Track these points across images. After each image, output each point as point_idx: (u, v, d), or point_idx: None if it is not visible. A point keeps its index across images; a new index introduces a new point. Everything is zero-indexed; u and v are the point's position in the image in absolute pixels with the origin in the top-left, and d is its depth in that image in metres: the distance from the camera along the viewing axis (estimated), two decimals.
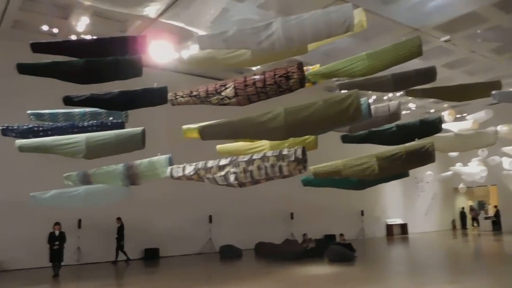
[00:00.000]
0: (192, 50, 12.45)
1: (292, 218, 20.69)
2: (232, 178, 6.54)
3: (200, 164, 6.82)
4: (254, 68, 8.68)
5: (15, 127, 8.28)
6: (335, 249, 14.79)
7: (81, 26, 13.43)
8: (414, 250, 20.17)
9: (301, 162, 6.23)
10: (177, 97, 7.03)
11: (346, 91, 8.09)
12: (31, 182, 10.80)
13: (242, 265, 15.43)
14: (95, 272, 14.15)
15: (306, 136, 7.78)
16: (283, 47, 6.25)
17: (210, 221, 18.37)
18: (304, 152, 6.26)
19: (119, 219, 15.77)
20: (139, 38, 7.51)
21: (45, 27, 13.87)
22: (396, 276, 12.25)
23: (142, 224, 16.41)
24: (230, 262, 15.72)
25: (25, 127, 8.30)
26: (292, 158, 6.21)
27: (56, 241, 13.01)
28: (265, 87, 6.39)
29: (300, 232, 18.96)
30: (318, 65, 8.12)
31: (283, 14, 10.82)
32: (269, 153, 6.46)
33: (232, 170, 6.53)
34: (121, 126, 8.42)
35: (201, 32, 11.09)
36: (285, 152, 6.32)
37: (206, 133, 6.64)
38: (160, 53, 13.18)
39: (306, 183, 9.11)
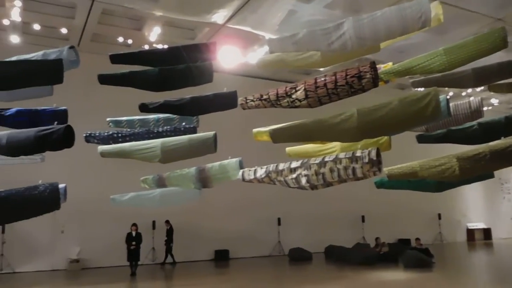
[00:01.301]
0: (260, 53, 12.57)
1: (363, 221, 20.10)
2: (303, 180, 6.44)
3: (271, 166, 6.79)
4: (322, 69, 8.53)
5: (97, 134, 8.80)
6: (411, 254, 14.12)
7: (153, 36, 14.05)
8: (499, 257, 18.76)
9: (376, 164, 6.00)
10: (248, 101, 7.07)
11: (421, 88, 7.70)
12: (111, 185, 11.42)
13: (312, 268, 15.24)
14: (169, 271, 14.66)
15: (379, 137, 7.49)
16: (354, 47, 6.07)
17: (279, 223, 18.36)
18: (378, 154, 6.03)
19: (167, 222, 15.84)
20: (210, 44, 7.70)
21: (120, 39, 14.69)
22: (479, 285, 11.44)
23: (212, 226, 16.76)
24: (300, 265, 15.59)
25: (106, 134, 8.79)
26: (366, 160, 6.00)
27: (133, 241, 13.66)
28: (336, 88, 6.22)
29: (372, 235, 18.38)
30: (390, 63, 7.80)
31: (350, 13, 10.55)
32: (342, 155, 6.28)
33: (304, 172, 6.43)
34: (193, 130, 8.66)
35: (268, 35, 11.11)
36: (358, 153, 6.12)
37: (277, 136, 6.61)
38: (228, 58, 13.42)
39: (380, 185, 8.78)
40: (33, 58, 6.51)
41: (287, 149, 9.15)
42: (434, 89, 5.87)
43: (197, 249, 16.61)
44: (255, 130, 8.29)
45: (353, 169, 6.10)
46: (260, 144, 8.87)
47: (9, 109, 7.40)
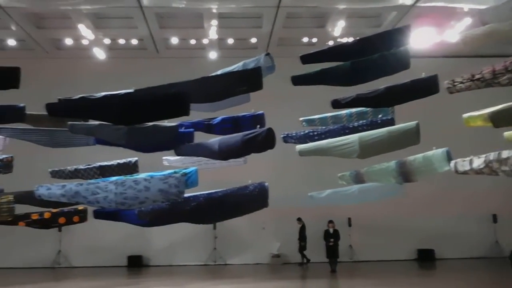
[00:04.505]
0: (459, 29, 11.15)
1: None
2: None
3: (492, 155, 5.89)
4: None
5: (294, 134, 9.10)
6: None
7: (337, 30, 13.94)
8: None
9: None
10: (456, 83, 6.33)
11: None
12: (307, 183, 11.64)
13: None
14: (366, 270, 14.29)
15: None
16: None
17: (495, 220, 16.03)
18: None
19: (299, 219, 15.03)
20: (404, 28, 7.21)
21: (305, 39, 15.05)
22: None
23: (414, 223, 15.61)
24: None
25: (301, 133, 9.02)
26: None
27: (331, 238, 13.72)
28: None
29: None
30: None
31: None
32: None
33: None
34: (391, 122, 8.22)
35: (469, 6, 9.75)
36: None
37: (499, 120, 5.71)
38: (422, 40, 12.36)
39: None
40: (234, 70, 7.05)
41: (506, 133, 7.84)
42: None
43: (397, 248, 15.73)
44: (466, 115, 7.37)
45: None
46: (466, 131, 7.86)
47: (215, 118, 8.24)
